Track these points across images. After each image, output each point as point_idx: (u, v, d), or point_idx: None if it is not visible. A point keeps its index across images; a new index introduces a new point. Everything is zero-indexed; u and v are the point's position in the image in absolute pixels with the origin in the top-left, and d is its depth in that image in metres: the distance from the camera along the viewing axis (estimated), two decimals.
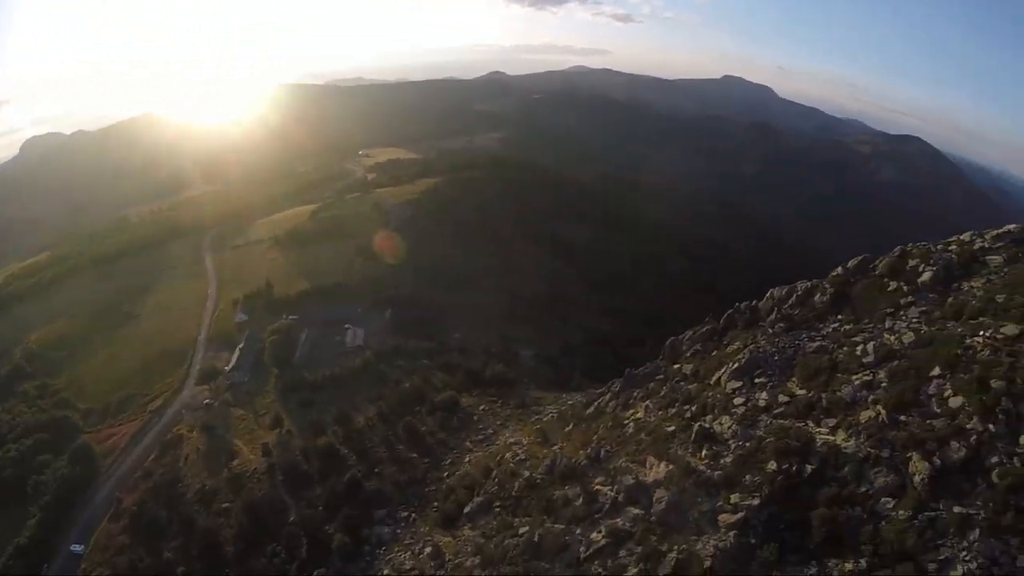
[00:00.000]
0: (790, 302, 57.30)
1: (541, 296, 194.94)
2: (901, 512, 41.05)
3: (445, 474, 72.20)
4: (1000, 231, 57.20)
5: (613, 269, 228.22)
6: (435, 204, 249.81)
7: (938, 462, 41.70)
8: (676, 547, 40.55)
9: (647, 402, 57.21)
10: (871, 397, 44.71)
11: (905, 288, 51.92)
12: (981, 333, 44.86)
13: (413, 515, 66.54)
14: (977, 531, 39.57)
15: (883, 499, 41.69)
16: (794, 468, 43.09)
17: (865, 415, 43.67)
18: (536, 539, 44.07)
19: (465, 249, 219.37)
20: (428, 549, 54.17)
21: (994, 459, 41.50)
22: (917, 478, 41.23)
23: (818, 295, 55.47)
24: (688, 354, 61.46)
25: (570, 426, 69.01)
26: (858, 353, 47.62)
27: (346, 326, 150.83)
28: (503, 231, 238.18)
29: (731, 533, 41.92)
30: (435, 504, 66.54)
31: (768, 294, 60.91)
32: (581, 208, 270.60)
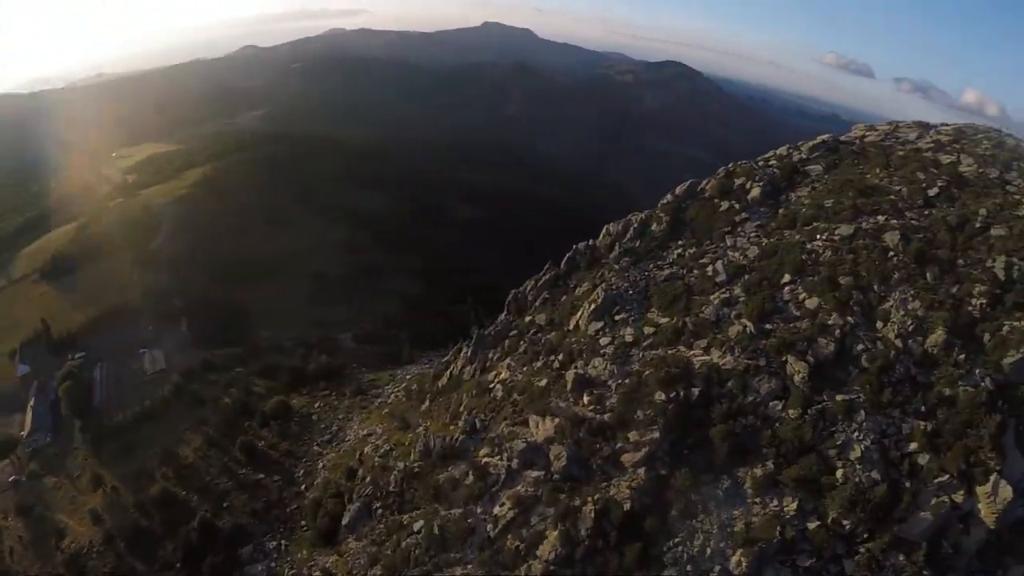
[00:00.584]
0: (628, 235, 62.88)
1: (345, 272, 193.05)
2: (791, 411, 45.91)
3: (303, 487, 66.98)
4: (815, 142, 70.90)
5: (410, 231, 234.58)
6: (210, 194, 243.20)
7: (812, 359, 48.12)
8: (590, 499, 40.93)
9: (507, 360, 58.62)
10: (733, 313, 50.64)
11: (737, 206, 61.17)
12: (819, 237, 55.02)
13: (283, 542, 61.93)
14: (862, 412, 45.45)
15: (771, 403, 46.26)
16: (681, 394, 45.50)
17: (733, 330, 49.07)
18: (436, 531, 41.11)
19: (253, 237, 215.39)
20: (316, 574, 48.69)
21: (860, 347, 49.00)
22: (797, 378, 46.97)
23: (655, 225, 62.09)
24: (536, 304, 64.50)
25: (426, 402, 69.56)
26: (709, 274, 54.53)
27: (141, 350, 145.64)
28: (290, 210, 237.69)
29: (640, 471, 42.53)
30: (303, 524, 62.61)
31: (604, 231, 66.28)
32: (366, 173, 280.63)
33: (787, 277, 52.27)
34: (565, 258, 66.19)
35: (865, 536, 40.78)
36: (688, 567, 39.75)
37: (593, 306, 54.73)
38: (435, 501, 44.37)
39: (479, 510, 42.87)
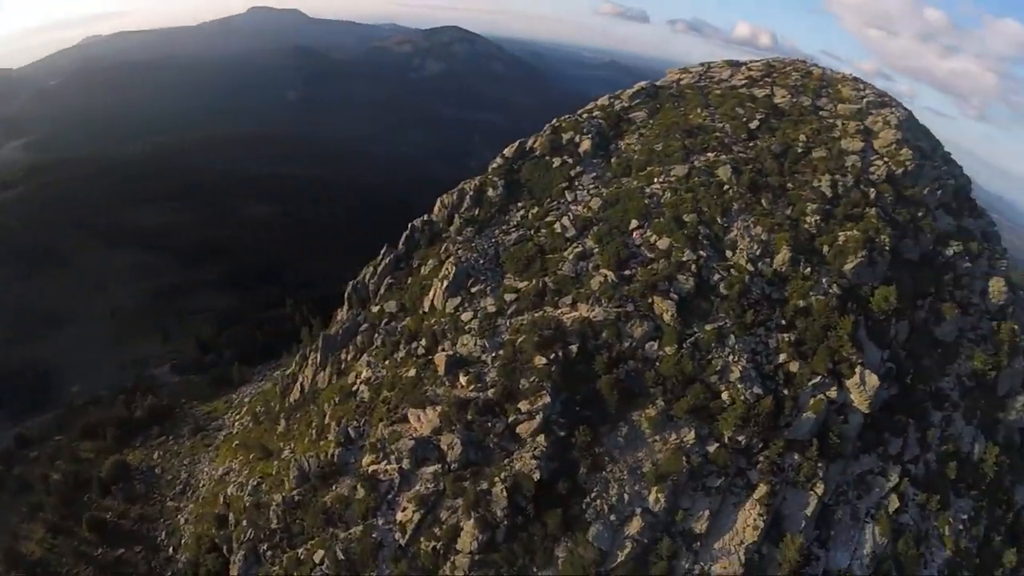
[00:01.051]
0: (466, 204, 64.76)
1: (146, 300, 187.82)
2: (668, 349, 50.62)
3: (172, 551, 61.69)
4: (634, 90, 76.68)
5: (206, 240, 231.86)
6: None
7: (675, 296, 53.74)
8: (497, 479, 41.53)
9: (365, 358, 58.20)
10: (591, 265, 53.73)
11: (570, 160, 65.42)
12: (656, 180, 60.14)
13: None
14: (732, 336, 51.41)
15: (648, 345, 51.30)
16: (560, 354, 47.26)
17: (595, 282, 52.02)
18: (340, 555, 38.08)
19: (38, 282, 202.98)
20: None
21: (716, 277, 55.15)
22: (666, 316, 51.81)
23: (490, 190, 64.51)
24: (382, 291, 64.52)
25: (281, 423, 67.69)
26: (558, 230, 57.61)
27: None
28: (73, 244, 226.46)
29: (539, 438, 43.30)
30: None
31: (438, 203, 67.42)
32: (147, 188, 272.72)
33: (634, 223, 57.20)
34: (403, 237, 65.92)
35: (761, 446, 46.24)
36: (611, 517, 41.48)
37: (446, 283, 55.47)
38: (328, 525, 42.03)
39: (380, 522, 41.51)
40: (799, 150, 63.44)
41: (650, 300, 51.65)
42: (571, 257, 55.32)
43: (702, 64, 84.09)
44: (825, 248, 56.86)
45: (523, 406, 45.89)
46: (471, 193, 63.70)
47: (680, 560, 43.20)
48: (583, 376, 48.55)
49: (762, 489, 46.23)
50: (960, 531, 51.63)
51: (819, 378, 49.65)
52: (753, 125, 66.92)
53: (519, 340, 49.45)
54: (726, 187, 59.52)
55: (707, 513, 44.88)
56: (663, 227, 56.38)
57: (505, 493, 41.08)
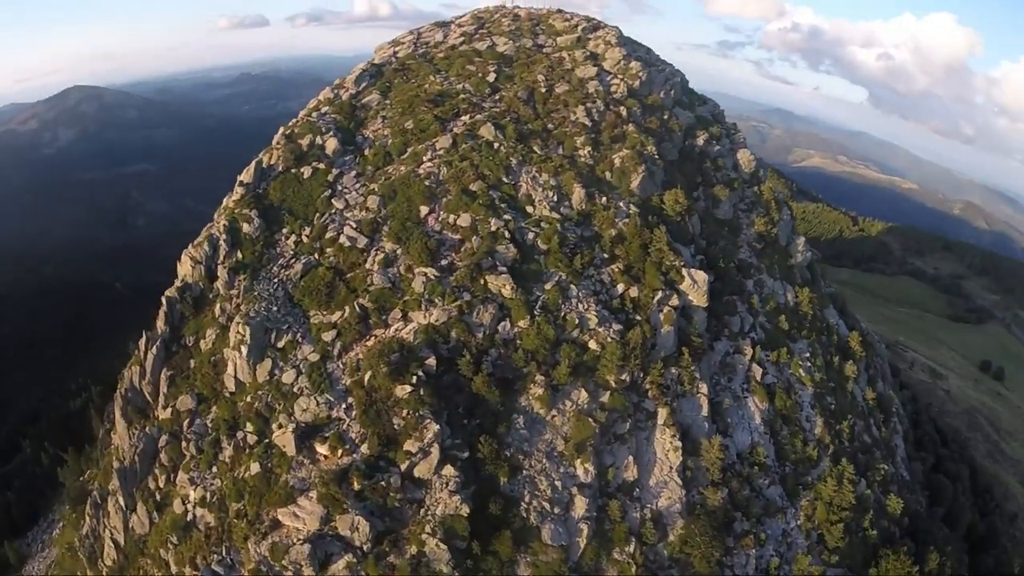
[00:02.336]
0: (223, 251, 55.82)
1: None
2: (521, 323, 49.24)
3: None
4: (354, 75, 74.48)
5: None
6: None
7: (503, 267, 53.88)
8: (424, 534, 39.06)
9: (183, 475, 49.38)
10: (401, 267, 52.13)
11: (321, 165, 61.54)
12: (424, 159, 59.98)
13: None
14: (572, 287, 53.76)
15: (500, 326, 50.42)
16: (420, 373, 46.18)
17: (416, 284, 50.61)
18: None
19: None
20: None
21: (531, 235, 54.95)
22: (505, 291, 49.74)
23: (245, 225, 56.67)
24: (164, 390, 53.32)
25: None
26: (346, 244, 54.18)
27: None
28: None
29: (445, 471, 40.11)
30: None
31: (185, 261, 56.54)
32: None
33: (424, 209, 55.97)
34: (160, 316, 54.63)
35: (643, 375, 50.90)
36: (555, 510, 41.88)
37: (244, 349, 48.15)
38: None
39: None
40: (543, 90, 67.87)
41: (482, 281, 51.56)
42: (376, 267, 52.72)
43: (410, 32, 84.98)
44: (607, 174, 62.27)
45: (410, 446, 43.07)
46: (223, 236, 55.88)
47: (631, 512, 45.06)
48: (454, 386, 47.25)
49: (663, 413, 50.36)
50: (809, 368, 61.94)
51: (659, 293, 54.69)
52: (491, 78, 69.82)
53: (366, 378, 45.96)
54: (496, 145, 61.53)
55: (631, 459, 47.67)
56: (456, 204, 56.52)
57: (442, 545, 38.35)
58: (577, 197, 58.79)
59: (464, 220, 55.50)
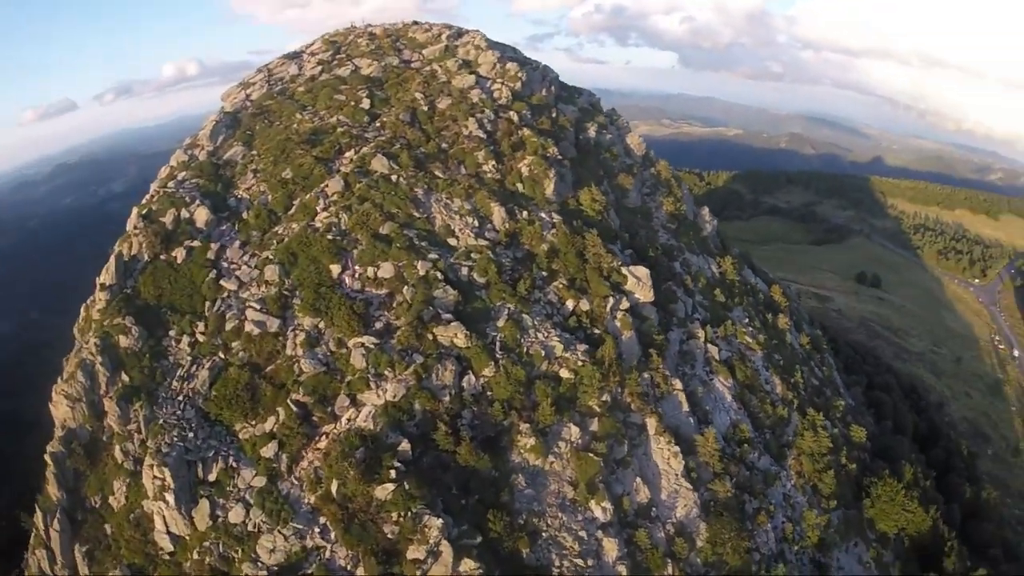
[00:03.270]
0: (103, 378, 43.42)
1: None
2: (486, 371, 43.20)
3: None
4: (207, 130, 61.51)
5: None
6: None
7: (449, 315, 45.95)
8: None
9: None
10: (330, 344, 42.68)
11: (196, 243, 49.04)
12: (318, 209, 50.33)
13: None
14: (524, 317, 46.79)
15: (465, 381, 43.12)
16: (397, 463, 37.17)
17: (355, 361, 41.48)
18: None
19: None
20: None
21: (464, 271, 49.29)
22: (459, 340, 42.22)
23: (122, 338, 44.72)
24: (87, 570, 39.65)
25: None
26: (255, 332, 43.46)
27: None
28: None
29: (464, 564, 35.12)
30: None
31: (61, 403, 43.73)
32: None
33: (335, 268, 46.44)
34: (50, 479, 39.39)
35: (621, 390, 45.12)
36: (588, 562, 36.95)
37: (169, 497, 34.74)
38: None
39: None
40: (425, 108, 59.50)
41: (430, 336, 43.15)
42: (300, 352, 42.55)
43: (259, 71, 72.33)
44: (519, 185, 55.49)
45: (415, 552, 34.41)
46: (98, 358, 42.37)
47: (656, 534, 40.14)
48: (439, 465, 38.95)
49: (652, 423, 45.75)
50: (751, 331, 59.02)
51: (609, 300, 49.00)
52: (365, 105, 60.36)
53: (333, 488, 36.27)
54: (394, 177, 52.79)
55: (639, 480, 42.20)
56: (370, 253, 47.42)
57: None
58: (498, 217, 51.30)
59: (386, 270, 46.33)
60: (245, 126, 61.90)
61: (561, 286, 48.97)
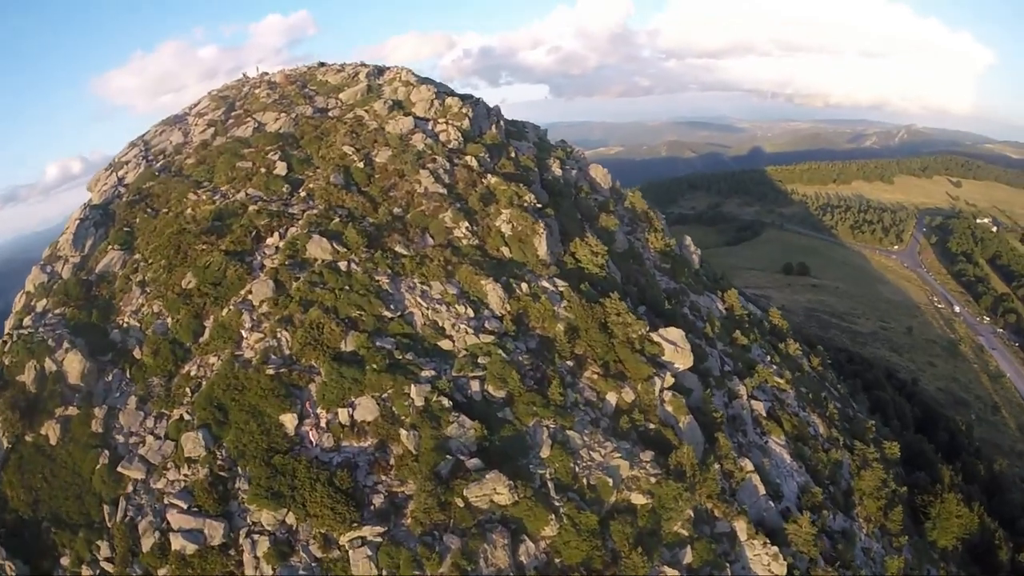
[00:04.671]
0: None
1: None
2: (570, 555, 29.89)
3: None
4: (70, 237, 43.10)
5: None
6: None
7: (474, 433, 31.55)
8: None
9: None
10: (302, 553, 25.52)
11: (76, 411, 32.11)
12: (245, 331, 33.27)
13: None
14: (545, 422, 33.10)
15: (522, 554, 28.80)
16: None
17: (360, 562, 24.51)
18: None
19: None
20: None
21: (475, 391, 35.13)
22: (526, 508, 29.55)
23: None
24: None
25: None
26: (189, 554, 26.93)
27: None
28: None
29: None
30: None
31: None
32: None
33: (288, 419, 28.91)
34: None
35: (693, 475, 31.31)
36: None
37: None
38: None
39: None
40: (361, 164, 43.18)
41: (461, 502, 28.07)
42: (271, 573, 25.05)
43: (131, 145, 51.85)
44: (504, 249, 40.66)
45: None
46: None
47: None
48: None
49: (741, 525, 33.71)
50: (775, 369, 48.22)
51: (654, 380, 35.31)
52: (281, 170, 43.27)
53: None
54: (343, 264, 36.37)
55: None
56: (335, 388, 31.40)
57: None
58: (495, 297, 36.10)
59: (366, 409, 30.22)
60: (121, 221, 42.63)
61: (595, 376, 34.61)
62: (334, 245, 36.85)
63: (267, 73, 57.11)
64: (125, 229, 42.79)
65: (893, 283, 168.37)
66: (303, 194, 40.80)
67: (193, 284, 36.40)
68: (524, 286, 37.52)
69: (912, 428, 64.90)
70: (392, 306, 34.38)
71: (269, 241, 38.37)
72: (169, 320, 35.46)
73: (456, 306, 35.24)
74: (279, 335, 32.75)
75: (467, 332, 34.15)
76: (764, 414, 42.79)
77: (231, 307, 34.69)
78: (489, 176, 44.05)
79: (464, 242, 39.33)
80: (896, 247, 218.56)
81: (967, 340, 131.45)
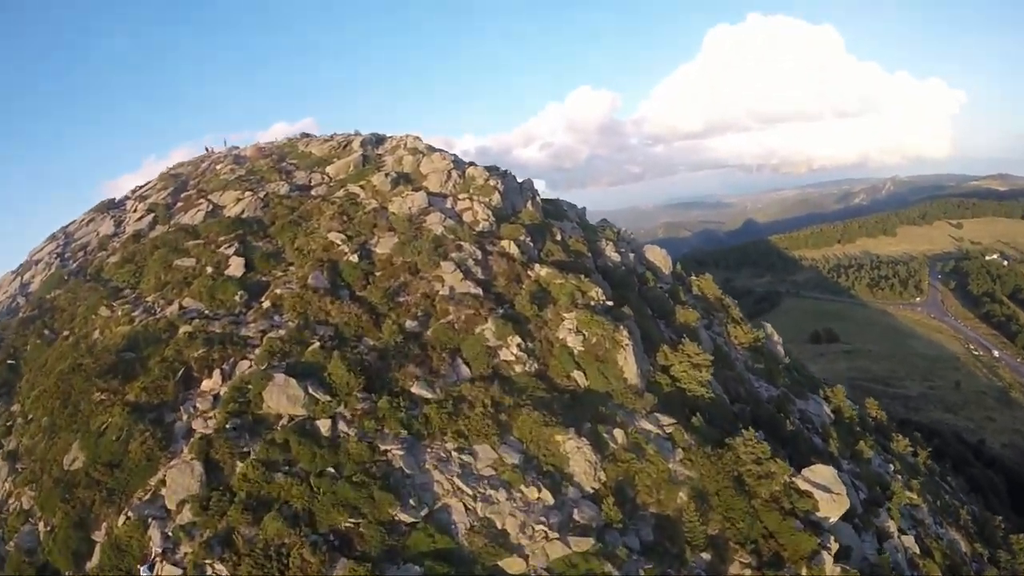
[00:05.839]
0: None
1: None
2: None
3: None
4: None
5: None
6: None
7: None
8: None
9: None
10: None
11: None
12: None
13: None
14: None
15: None
16: None
17: None
18: None
19: None
20: None
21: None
22: None
23: None
24: None
25: None
26: None
27: None
28: None
29: None
30: None
31: None
32: None
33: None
34: None
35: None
36: None
37: None
38: None
39: None
40: (353, 259, 27.82)
41: None
42: None
43: (52, 239, 36.84)
44: (579, 376, 25.62)
45: None
46: None
47: None
48: None
49: None
50: (903, 480, 31.12)
51: (816, 553, 19.17)
52: (235, 269, 28.69)
53: None
54: (324, 425, 20.30)
55: None
56: None
57: None
58: (581, 463, 20.77)
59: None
60: (7, 348, 26.68)
61: (742, 565, 17.97)
62: (310, 390, 21.24)
63: (237, 147, 43.32)
64: (9, 363, 26.96)
65: (925, 337, 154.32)
66: (266, 305, 25.48)
67: (80, 463, 20.47)
68: (619, 434, 21.93)
69: (1008, 505, 49.36)
70: (413, 500, 18.44)
71: (205, 385, 22.67)
72: (41, 527, 19.21)
73: (521, 487, 19.33)
74: (210, 572, 16.38)
75: (546, 535, 18.04)
76: (918, 551, 26.48)
77: (131, 513, 18.39)
78: (536, 267, 29.31)
79: (518, 368, 23.97)
80: (918, 299, 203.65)
81: (1015, 385, 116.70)
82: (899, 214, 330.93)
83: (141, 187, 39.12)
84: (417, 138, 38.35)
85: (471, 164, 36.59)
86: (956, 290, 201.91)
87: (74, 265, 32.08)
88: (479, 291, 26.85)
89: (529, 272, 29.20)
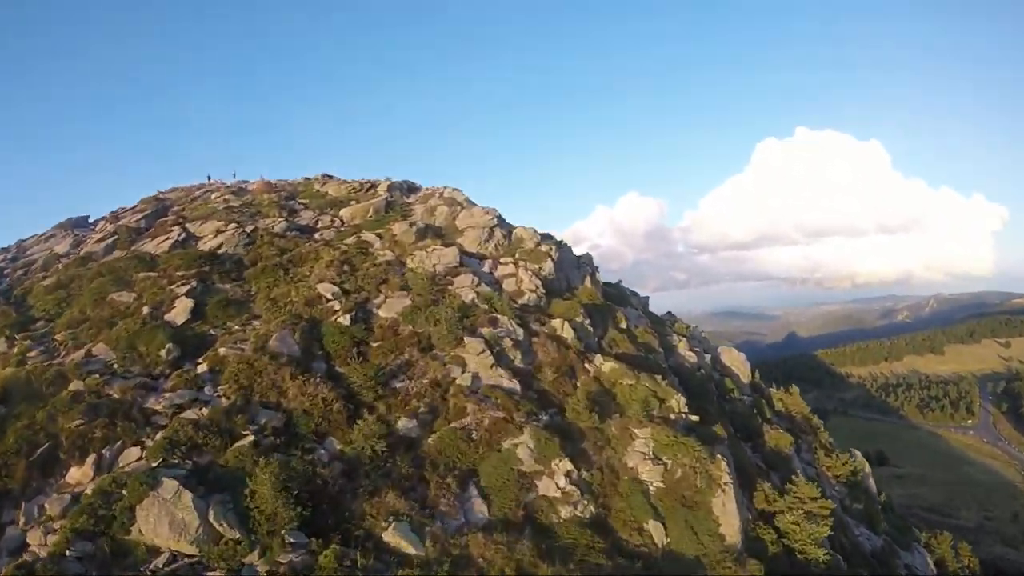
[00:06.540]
0: None
1: None
2: None
3: None
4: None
5: None
6: None
7: None
8: None
9: None
10: None
11: None
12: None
13: None
14: None
15: None
16: None
17: None
18: None
19: None
20: None
21: None
22: None
23: None
24: None
25: None
26: None
27: None
28: None
29: None
30: None
31: None
32: None
33: None
34: None
35: None
36: None
37: None
38: None
39: None
40: (344, 320, 19.29)
41: None
42: None
43: (17, 244, 30.10)
44: (653, 528, 14.15)
45: None
46: None
47: None
48: None
49: None
50: None
51: None
52: (176, 313, 19.92)
53: None
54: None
55: None
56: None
57: None
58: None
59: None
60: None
61: None
62: (213, 516, 11.88)
63: (246, 181, 36.81)
64: None
65: (979, 462, 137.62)
66: (200, 368, 16.72)
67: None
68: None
69: None
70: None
71: (72, 475, 13.42)
72: None
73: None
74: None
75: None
76: None
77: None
78: (598, 358, 20.03)
79: (564, 512, 14.14)
80: (970, 421, 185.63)
81: None
82: (946, 332, 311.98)
83: (124, 208, 32.24)
84: (456, 189, 31.07)
85: (515, 226, 28.60)
86: (1008, 413, 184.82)
87: (5, 284, 24.45)
88: (515, 385, 17.60)
89: (588, 365, 19.96)
